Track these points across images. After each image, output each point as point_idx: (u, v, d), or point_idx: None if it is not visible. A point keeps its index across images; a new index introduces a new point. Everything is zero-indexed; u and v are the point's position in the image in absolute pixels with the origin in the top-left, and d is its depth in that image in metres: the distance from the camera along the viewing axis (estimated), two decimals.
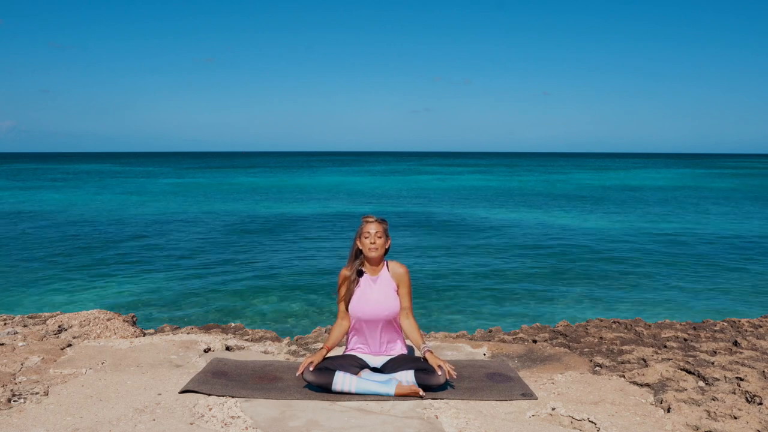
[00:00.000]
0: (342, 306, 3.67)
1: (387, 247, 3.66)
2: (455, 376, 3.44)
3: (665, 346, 4.35)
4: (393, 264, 3.70)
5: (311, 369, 3.41)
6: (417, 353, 3.76)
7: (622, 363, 4.02)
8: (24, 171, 73.62)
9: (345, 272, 3.68)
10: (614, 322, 5.30)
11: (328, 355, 3.61)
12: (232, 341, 4.60)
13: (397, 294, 3.64)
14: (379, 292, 3.60)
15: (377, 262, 3.66)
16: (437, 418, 3.08)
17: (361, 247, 3.64)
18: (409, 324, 3.65)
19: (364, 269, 3.68)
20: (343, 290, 3.66)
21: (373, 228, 3.60)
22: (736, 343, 4.32)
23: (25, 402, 3.22)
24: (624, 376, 3.72)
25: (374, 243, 3.58)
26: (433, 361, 3.45)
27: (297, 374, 3.46)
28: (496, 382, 3.60)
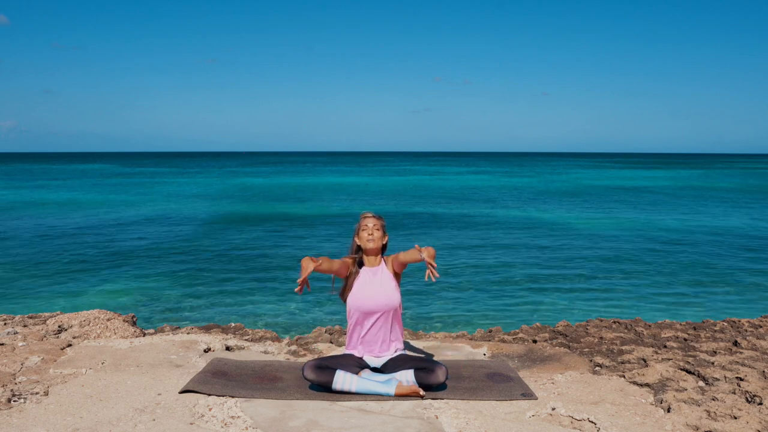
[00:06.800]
0: (345, 258, 3.73)
1: (384, 242, 3.73)
2: (435, 266, 3.29)
3: (665, 346, 4.35)
4: (386, 258, 3.76)
5: (303, 279, 3.35)
6: (413, 251, 3.51)
7: (622, 363, 4.02)
8: (25, 171, 73.63)
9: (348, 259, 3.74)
10: (614, 322, 5.30)
11: (330, 354, 3.62)
12: (232, 341, 4.60)
13: (398, 285, 3.67)
14: (378, 284, 3.65)
15: (375, 254, 3.71)
16: (437, 418, 3.09)
17: (359, 242, 3.72)
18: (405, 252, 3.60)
19: (364, 263, 3.73)
20: (346, 261, 3.72)
21: (371, 222, 3.69)
22: (736, 343, 4.32)
23: (25, 402, 3.22)
24: (624, 376, 3.72)
25: (372, 235, 3.66)
26: (420, 250, 3.35)
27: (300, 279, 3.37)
28: (496, 382, 3.60)
